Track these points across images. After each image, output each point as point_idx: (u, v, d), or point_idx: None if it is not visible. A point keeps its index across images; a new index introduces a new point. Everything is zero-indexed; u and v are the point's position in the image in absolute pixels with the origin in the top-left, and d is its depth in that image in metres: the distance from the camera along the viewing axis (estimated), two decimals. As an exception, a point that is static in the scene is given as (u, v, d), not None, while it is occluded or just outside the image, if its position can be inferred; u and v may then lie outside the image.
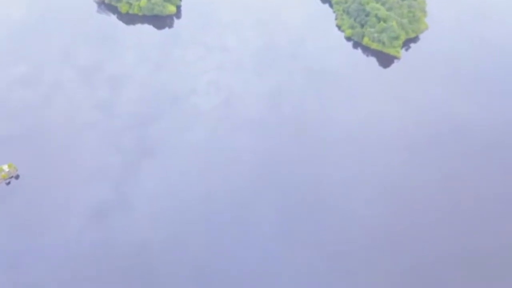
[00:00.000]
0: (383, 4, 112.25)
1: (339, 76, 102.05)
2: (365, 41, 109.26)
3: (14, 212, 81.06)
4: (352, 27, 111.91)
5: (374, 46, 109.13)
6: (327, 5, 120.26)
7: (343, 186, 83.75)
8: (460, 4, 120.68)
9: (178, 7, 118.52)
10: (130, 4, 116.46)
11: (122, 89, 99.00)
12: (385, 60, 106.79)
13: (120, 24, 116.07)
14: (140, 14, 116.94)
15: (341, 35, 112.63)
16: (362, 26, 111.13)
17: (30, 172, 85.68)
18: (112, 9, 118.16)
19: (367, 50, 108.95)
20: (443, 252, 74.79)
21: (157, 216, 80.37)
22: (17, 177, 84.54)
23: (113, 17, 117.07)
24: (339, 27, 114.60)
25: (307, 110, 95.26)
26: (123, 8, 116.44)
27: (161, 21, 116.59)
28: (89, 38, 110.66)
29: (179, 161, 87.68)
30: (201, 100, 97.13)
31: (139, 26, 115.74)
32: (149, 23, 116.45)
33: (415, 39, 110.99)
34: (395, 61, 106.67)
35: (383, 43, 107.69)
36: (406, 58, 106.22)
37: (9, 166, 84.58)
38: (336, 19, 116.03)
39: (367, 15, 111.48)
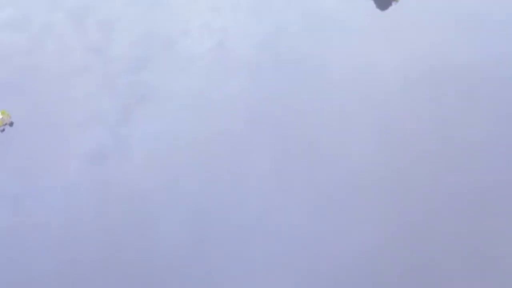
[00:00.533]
0: None
1: (335, 19, 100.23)
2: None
3: (11, 159, 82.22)
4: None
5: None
6: None
7: (338, 125, 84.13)
8: None
9: None
10: None
11: (112, 32, 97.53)
12: (383, 2, 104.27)
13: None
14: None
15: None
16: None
17: (24, 119, 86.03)
18: None
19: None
20: (436, 192, 76.73)
21: (154, 158, 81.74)
22: (11, 124, 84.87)
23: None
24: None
25: (303, 53, 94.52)
26: None
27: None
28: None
29: (174, 105, 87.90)
30: (195, 42, 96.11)
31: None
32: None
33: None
34: (393, 3, 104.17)
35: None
36: (404, 0, 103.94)
37: (2, 113, 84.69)
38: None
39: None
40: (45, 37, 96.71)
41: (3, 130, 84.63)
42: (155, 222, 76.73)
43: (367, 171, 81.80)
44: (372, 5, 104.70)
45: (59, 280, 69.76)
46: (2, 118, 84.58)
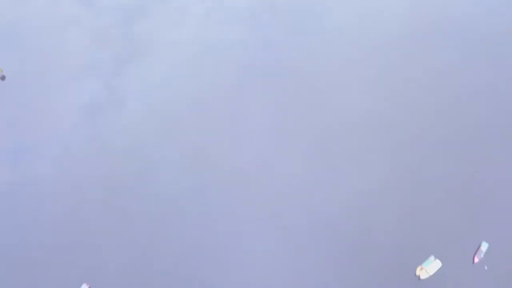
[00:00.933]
0: None
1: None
2: None
3: (5, 113, 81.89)
4: None
5: None
6: None
7: (336, 72, 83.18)
8: None
9: None
10: None
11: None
12: None
13: None
14: None
15: None
16: None
17: (16, 73, 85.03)
18: None
19: None
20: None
21: (150, 109, 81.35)
22: (3, 78, 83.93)
23: None
24: None
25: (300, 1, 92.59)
26: None
27: None
28: None
29: (168, 56, 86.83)
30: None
31: None
32: None
33: None
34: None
35: None
36: None
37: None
38: None
39: None
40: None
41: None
42: (154, 171, 76.45)
43: (364, 117, 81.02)
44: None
45: (60, 230, 70.62)
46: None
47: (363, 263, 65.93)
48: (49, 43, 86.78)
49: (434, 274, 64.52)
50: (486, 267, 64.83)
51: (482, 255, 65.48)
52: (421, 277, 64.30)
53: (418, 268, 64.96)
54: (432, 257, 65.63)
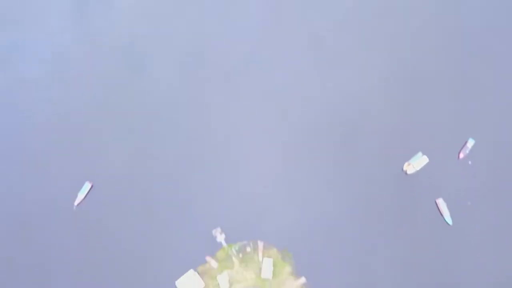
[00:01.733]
0: None
1: None
2: None
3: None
4: None
5: None
6: None
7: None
8: None
9: None
10: None
11: None
12: None
13: None
14: None
15: None
16: None
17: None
18: None
19: None
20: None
21: (139, 6, 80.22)
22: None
23: None
24: None
25: None
26: None
27: None
28: None
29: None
30: None
31: None
32: None
33: None
34: None
35: None
36: None
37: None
38: None
39: None
40: None
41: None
42: (146, 67, 75.99)
43: (362, 13, 78.63)
44: None
45: (57, 131, 71.76)
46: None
47: (354, 159, 68.24)
48: None
49: (420, 169, 67.24)
50: (470, 162, 67.45)
51: (467, 151, 67.77)
52: (408, 172, 67.14)
53: (406, 164, 67.50)
54: (419, 154, 67.96)
